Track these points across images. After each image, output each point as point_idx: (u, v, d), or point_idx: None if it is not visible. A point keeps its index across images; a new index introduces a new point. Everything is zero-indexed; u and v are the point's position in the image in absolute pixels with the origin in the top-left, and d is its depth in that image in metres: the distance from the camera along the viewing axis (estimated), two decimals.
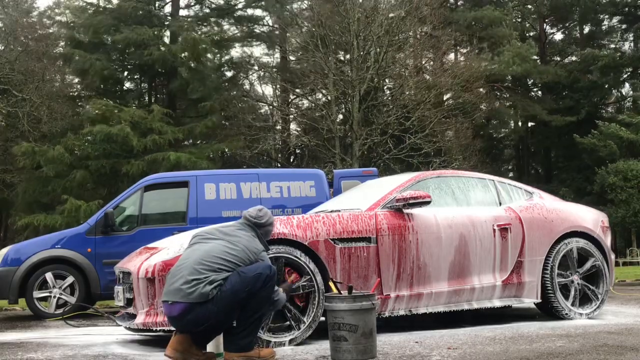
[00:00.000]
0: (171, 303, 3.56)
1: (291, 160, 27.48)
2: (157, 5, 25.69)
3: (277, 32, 28.70)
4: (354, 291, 3.97)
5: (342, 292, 3.99)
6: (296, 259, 4.50)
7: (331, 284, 4.10)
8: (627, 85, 32.33)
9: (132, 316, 4.61)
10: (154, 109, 20.87)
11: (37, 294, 7.69)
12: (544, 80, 29.06)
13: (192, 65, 23.61)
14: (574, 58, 33.13)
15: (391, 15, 21.59)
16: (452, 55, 28.55)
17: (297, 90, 26.60)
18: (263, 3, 27.43)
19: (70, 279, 7.77)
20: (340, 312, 3.73)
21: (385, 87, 24.74)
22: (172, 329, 4.27)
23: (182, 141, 23.28)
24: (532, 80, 32.53)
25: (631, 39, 33.50)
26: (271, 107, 28.58)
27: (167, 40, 24.65)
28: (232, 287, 3.54)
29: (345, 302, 3.75)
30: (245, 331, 3.66)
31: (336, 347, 3.75)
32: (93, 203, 18.13)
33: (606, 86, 30.82)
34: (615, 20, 33.79)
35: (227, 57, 27.92)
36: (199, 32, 25.43)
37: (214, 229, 3.94)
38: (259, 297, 3.63)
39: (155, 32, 22.80)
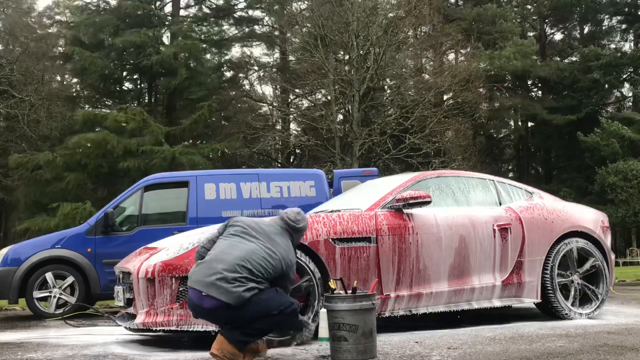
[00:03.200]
0: (205, 294, 3.55)
1: (291, 160, 27.47)
2: (157, 5, 25.69)
3: (276, 33, 28.71)
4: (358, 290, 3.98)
5: (347, 290, 3.98)
6: (296, 259, 4.48)
7: (332, 283, 4.08)
8: (627, 85, 32.35)
9: (132, 316, 4.61)
10: (137, 111, 20.87)
11: (37, 294, 7.68)
12: (545, 73, 29.00)
13: (192, 65, 23.61)
14: (574, 58, 33.14)
15: (391, 15, 21.59)
16: (451, 55, 28.61)
17: (297, 90, 26.60)
18: (263, 5, 27.44)
19: (70, 279, 7.76)
20: (341, 312, 3.71)
21: (386, 86, 24.74)
22: (172, 329, 4.29)
23: (181, 141, 23.28)
24: (532, 80, 32.53)
25: (631, 39, 33.52)
26: (271, 107, 28.59)
27: (166, 40, 24.65)
28: (267, 301, 3.60)
29: (346, 302, 3.74)
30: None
31: (336, 347, 3.74)
32: (87, 204, 18.17)
33: (606, 86, 30.83)
34: (615, 20, 33.82)
35: (226, 57, 27.94)
36: (199, 33, 25.44)
37: (255, 224, 3.89)
38: (275, 320, 3.67)
39: (155, 33, 22.80)
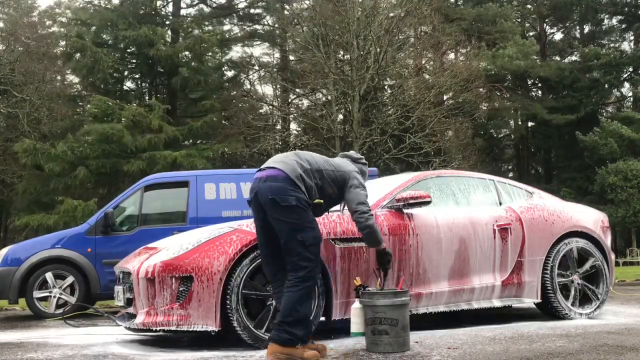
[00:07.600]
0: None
1: None
2: (158, 4, 25.69)
3: (277, 32, 28.71)
4: (368, 288, 4.20)
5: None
6: None
7: (356, 281, 4.26)
8: (627, 85, 32.37)
9: (132, 316, 4.61)
10: (155, 106, 20.85)
11: (37, 294, 7.68)
12: (545, 73, 28.99)
13: (194, 64, 23.61)
14: (574, 58, 33.14)
15: (391, 15, 21.58)
16: (452, 55, 28.59)
17: (298, 90, 26.59)
18: (264, 4, 27.45)
19: (70, 279, 7.76)
20: (382, 307, 3.90)
21: (387, 85, 24.73)
22: (172, 329, 4.27)
23: (182, 141, 23.26)
24: (532, 80, 32.52)
25: (631, 38, 33.52)
26: (271, 106, 28.58)
27: (168, 39, 24.65)
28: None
29: (387, 297, 3.93)
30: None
31: (376, 341, 3.91)
32: (91, 202, 18.14)
33: (606, 85, 30.85)
34: (615, 20, 33.82)
35: (227, 57, 27.93)
36: (201, 32, 25.43)
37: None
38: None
39: (157, 31, 22.79)
